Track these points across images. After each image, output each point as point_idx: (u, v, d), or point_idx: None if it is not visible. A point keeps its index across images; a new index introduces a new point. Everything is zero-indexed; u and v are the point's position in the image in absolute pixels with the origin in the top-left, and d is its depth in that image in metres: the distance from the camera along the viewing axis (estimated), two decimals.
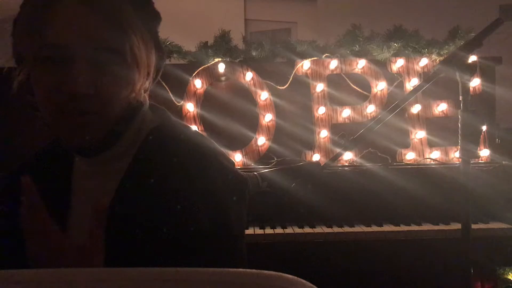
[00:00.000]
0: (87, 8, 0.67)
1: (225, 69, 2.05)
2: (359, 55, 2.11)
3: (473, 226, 1.58)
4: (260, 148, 2.03)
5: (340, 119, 2.08)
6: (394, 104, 1.34)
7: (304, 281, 0.38)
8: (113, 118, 0.72)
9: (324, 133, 2.04)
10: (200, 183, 0.72)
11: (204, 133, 1.98)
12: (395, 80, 2.11)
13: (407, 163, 2.02)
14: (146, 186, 0.71)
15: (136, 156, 0.76)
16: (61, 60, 0.67)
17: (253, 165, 1.99)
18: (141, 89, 0.76)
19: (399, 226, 1.79)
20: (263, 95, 2.05)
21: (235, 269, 0.39)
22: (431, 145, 2.07)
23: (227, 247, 0.72)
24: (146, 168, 0.73)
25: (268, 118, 2.04)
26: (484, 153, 2.03)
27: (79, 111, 0.68)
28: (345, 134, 1.98)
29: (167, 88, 2.01)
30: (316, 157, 2.03)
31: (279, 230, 1.76)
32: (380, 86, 2.08)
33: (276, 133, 2.05)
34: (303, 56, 2.09)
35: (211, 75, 2.07)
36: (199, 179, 0.72)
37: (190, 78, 2.05)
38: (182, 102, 2.04)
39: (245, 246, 0.77)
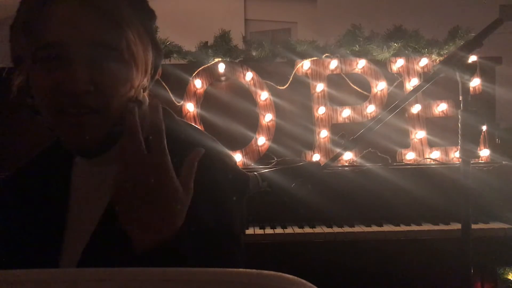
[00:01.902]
0: (82, 6, 0.67)
1: (225, 69, 2.05)
2: (359, 55, 2.11)
3: (473, 226, 1.58)
4: (260, 148, 2.03)
5: (340, 119, 2.08)
6: (394, 104, 1.34)
7: (304, 281, 0.38)
8: (113, 117, 0.71)
9: (324, 133, 2.05)
10: (202, 182, 0.72)
11: (206, 133, 1.98)
12: (395, 80, 2.11)
13: (407, 163, 2.02)
14: None
15: None
16: (59, 59, 0.67)
17: (253, 165, 1.99)
18: (140, 87, 0.76)
19: (399, 226, 1.79)
20: (263, 95, 2.05)
21: (235, 269, 0.39)
22: (431, 145, 2.07)
23: (227, 245, 0.72)
24: None
25: (268, 118, 2.04)
26: (484, 153, 2.03)
27: (79, 109, 0.68)
28: (345, 134, 1.98)
29: (167, 88, 2.01)
30: (316, 157, 2.03)
31: (279, 230, 1.76)
32: (380, 86, 2.08)
33: (276, 133, 2.05)
34: (303, 56, 2.09)
35: (211, 75, 2.07)
36: (202, 178, 0.72)
37: (190, 78, 2.05)
38: (182, 102, 2.04)
39: (244, 245, 0.77)
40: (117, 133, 0.74)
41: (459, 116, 1.20)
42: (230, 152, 2.11)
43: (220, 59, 2.07)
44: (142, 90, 0.79)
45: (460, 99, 1.20)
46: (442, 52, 2.10)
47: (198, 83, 2.04)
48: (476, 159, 1.94)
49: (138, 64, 0.73)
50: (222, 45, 2.06)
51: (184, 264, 0.64)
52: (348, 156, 2.01)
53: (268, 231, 1.75)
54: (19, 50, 0.71)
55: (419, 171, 1.93)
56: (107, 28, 0.68)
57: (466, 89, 1.20)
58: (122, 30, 0.69)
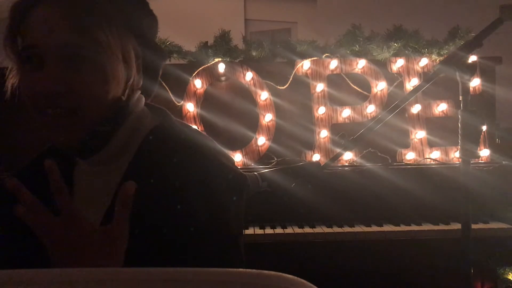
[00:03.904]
0: (54, 9, 0.69)
1: (225, 69, 2.05)
2: (359, 55, 2.11)
3: (473, 226, 1.58)
4: (260, 148, 2.03)
5: (340, 119, 2.08)
6: (394, 104, 1.34)
7: (304, 281, 0.38)
8: (93, 118, 0.72)
9: (324, 133, 2.05)
10: (199, 182, 0.72)
11: (204, 133, 1.98)
12: (395, 80, 2.11)
13: (407, 163, 2.02)
14: (146, 186, 0.71)
15: (135, 156, 0.76)
16: (37, 60, 0.69)
17: (253, 165, 1.99)
18: (123, 87, 0.75)
19: (399, 226, 1.79)
20: (263, 95, 2.05)
21: (235, 269, 0.39)
22: (431, 145, 2.07)
23: (225, 246, 0.72)
24: (145, 168, 0.74)
25: (268, 118, 2.04)
26: (484, 153, 2.03)
27: (55, 110, 0.69)
28: (345, 134, 1.98)
29: (167, 88, 2.01)
30: (316, 157, 2.03)
31: (279, 230, 1.76)
32: (380, 86, 2.08)
33: (276, 133, 2.05)
34: (303, 56, 2.09)
35: (211, 75, 2.07)
36: (199, 178, 0.72)
37: (190, 78, 2.05)
38: (182, 102, 2.04)
39: (243, 245, 0.77)
40: (106, 132, 0.74)
41: (459, 116, 1.20)
42: (230, 152, 2.12)
43: (220, 59, 2.07)
44: (133, 91, 0.79)
45: (460, 99, 1.21)
46: (442, 52, 2.10)
47: (198, 83, 2.04)
48: (476, 159, 1.94)
49: (116, 65, 0.72)
50: (222, 45, 2.06)
51: (181, 263, 0.64)
52: (348, 156, 2.01)
53: (268, 231, 1.75)
54: (8, 52, 0.74)
55: (419, 171, 1.93)
56: (77, 30, 0.69)
57: (466, 89, 1.20)
58: (93, 32, 0.69)
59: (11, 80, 0.75)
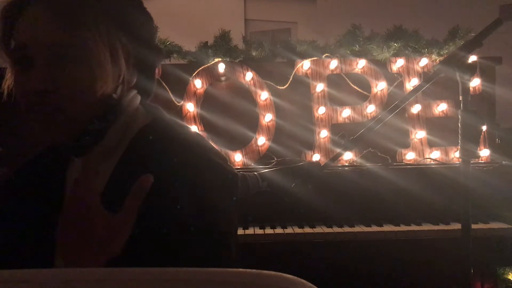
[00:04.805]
0: (44, 9, 0.70)
1: (225, 69, 2.05)
2: (359, 55, 2.11)
3: (473, 226, 1.58)
4: (260, 148, 2.03)
5: (340, 119, 2.08)
6: (394, 104, 1.34)
7: (304, 281, 0.38)
8: (82, 116, 0.72)
9: (324, 133, 2.05)
10: (187, 180, 0.72)
11: (204, 133, 1.98)
12: (395, 80, 2.11)
13: (407, 163, 2.02)
14: (133, 183, 0.71)
15: (125, 153, 0.76)
16: (27, 60, 0.71)
17: (253, 165, 1.99)
18: (113, 85, 0.75)
19: (399, 226, 1.79)
20: (263, 95, 2.05)
21: (235, 269, 0.39)
22: (431, 145, 2.07)
23: (214, 245, 0.72)
24: (134, 165, 0.74)
25: (268, 118, 2.04)
26: (484, 153, 2.03)
27: (43, 107, 0.70)
28: (345, 134, 1.98)
29: (167, 88, 2.01)
30: (316, 157, 2.03)
31: (279, 230, 1.76)
32: (380, 86, 2.08)
33: (276, 133, 2.05)
34: (303, 56, 2.09)
35: (211, 75, 2.07)
36: (187, 176, 0.72)
37: (190, 78, 2.05)
38: (182, 102, 2.04)
39: (236, 243, 0.76)
40: (98, 130, 0.74)
41: (459, 116, 1.20)
42: (230, 152, 2.11)
43: (220, 59, 2.07)
44: (128, 89, 0.79)
45: (460, 99, 1.21)
46: (442, 52, 2.10)
47: (198, 83, 2.04)
48: (476, 159, 1.94)
49: (104, 63, 0.73)
50: (222, 45, 2.06)
51: (169, 261, 0.65)
52: (348, 156, 2.01)
53: (268, 231, 1.75)
54: (3, 53, 0.75)
55: (419, 171, 1.93)
56: (64, 29, 0.70)
57: (466, 89, 1.20)
58: (81, 30, 0.70)
59: (8, 81, 0.76)
